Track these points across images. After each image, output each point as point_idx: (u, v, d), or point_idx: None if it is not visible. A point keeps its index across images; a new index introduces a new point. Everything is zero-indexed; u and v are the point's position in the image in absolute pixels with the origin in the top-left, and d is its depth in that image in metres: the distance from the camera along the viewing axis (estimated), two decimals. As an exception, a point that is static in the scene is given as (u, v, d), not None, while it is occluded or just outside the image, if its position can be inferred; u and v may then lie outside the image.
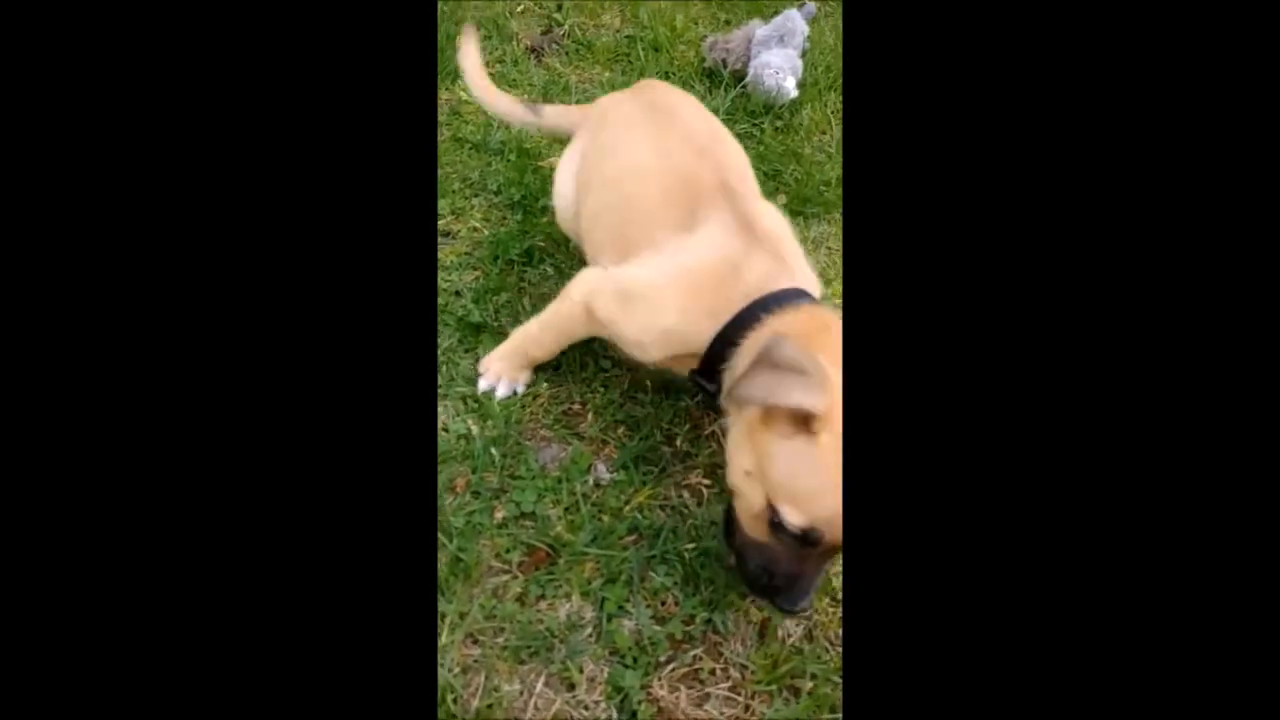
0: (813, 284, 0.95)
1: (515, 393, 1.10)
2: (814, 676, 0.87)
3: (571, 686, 0.85)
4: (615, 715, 0.83)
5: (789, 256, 0.93)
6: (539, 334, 1.07)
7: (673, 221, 0.96)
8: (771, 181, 1.48)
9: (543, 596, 0.91)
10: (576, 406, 1.12)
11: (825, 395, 0.72)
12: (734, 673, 0.88)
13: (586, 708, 0.84)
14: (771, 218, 0.98)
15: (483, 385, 1.10)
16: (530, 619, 0.88)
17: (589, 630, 0.89)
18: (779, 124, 1.60)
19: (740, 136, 1.58)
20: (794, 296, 0.87)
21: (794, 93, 1.62)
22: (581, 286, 1.01)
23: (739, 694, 0.86)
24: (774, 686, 0.86)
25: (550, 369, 1.14)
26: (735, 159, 1.06)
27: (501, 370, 1.10)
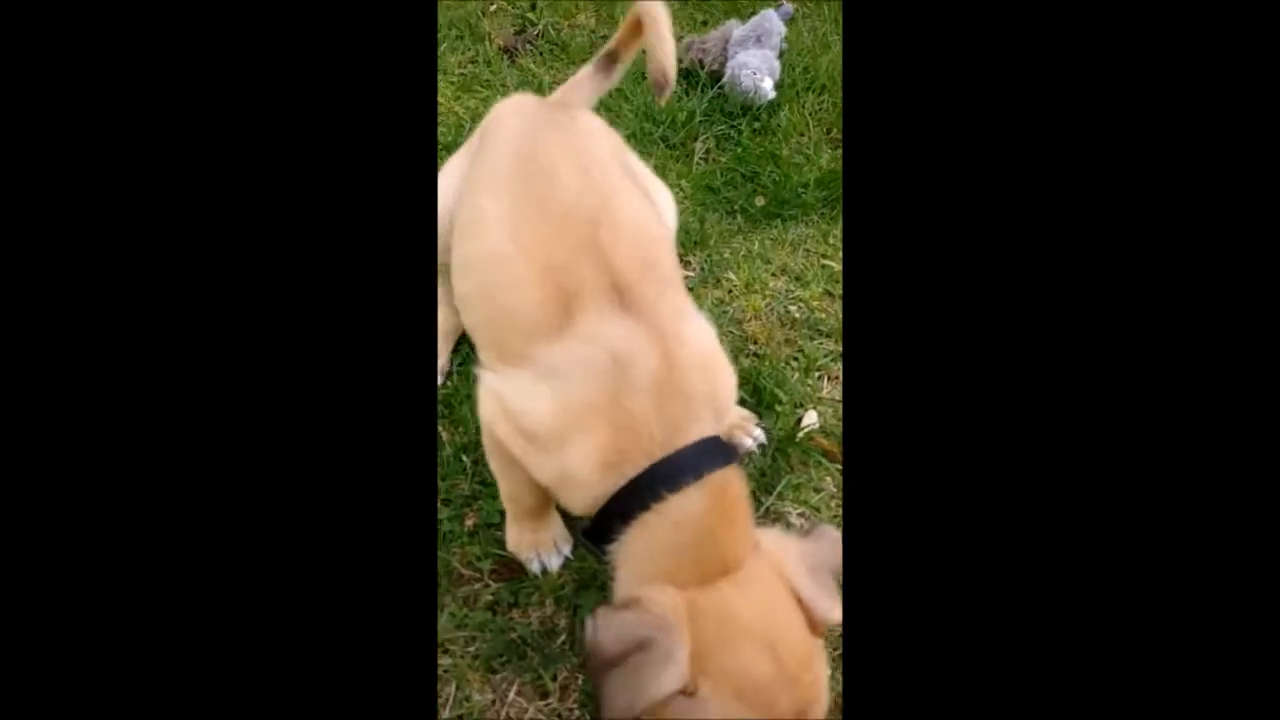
0: (729, 404, 0.76)
1: (564, 556, 0.92)
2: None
3: (545, 694, 0.84)
4: (589, 723, 0.82)
5: (704, 382, 0.72)
6: (502, 487, 0.86)
7: (545, 330, 0.73)
8: (749, 184, 1.48)
9: (515, 604, 0.90)
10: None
11: (682, 652, 0.59)
12: (710, 677, 0.87)
13: (561, 716, 0.83)
14: (689, 326, 0.75)
15: (534, 568, 0.91)
16: (502, 627, 0.87)
17: (563, 638, 0.88)
18: (756, 125, 1.60)
19: (717, 138, 1.58)
20: (702, 458, 0.68)
21: (771, 94, 1.62)
22: (481, 398, 0.79)
23: (715, 699, 0.86)
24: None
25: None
26: (636, 232, 0.79)
27: (524, 542, 0.90)
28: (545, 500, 0.86)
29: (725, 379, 0.78)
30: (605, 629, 0.60)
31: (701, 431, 0.70)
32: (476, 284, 0.82)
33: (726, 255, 1.35)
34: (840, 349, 1.22)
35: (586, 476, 0.70)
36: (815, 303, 1.30)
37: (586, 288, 0.73)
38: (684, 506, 0.66)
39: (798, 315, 1.28)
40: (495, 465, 0.85)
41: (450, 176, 0.95)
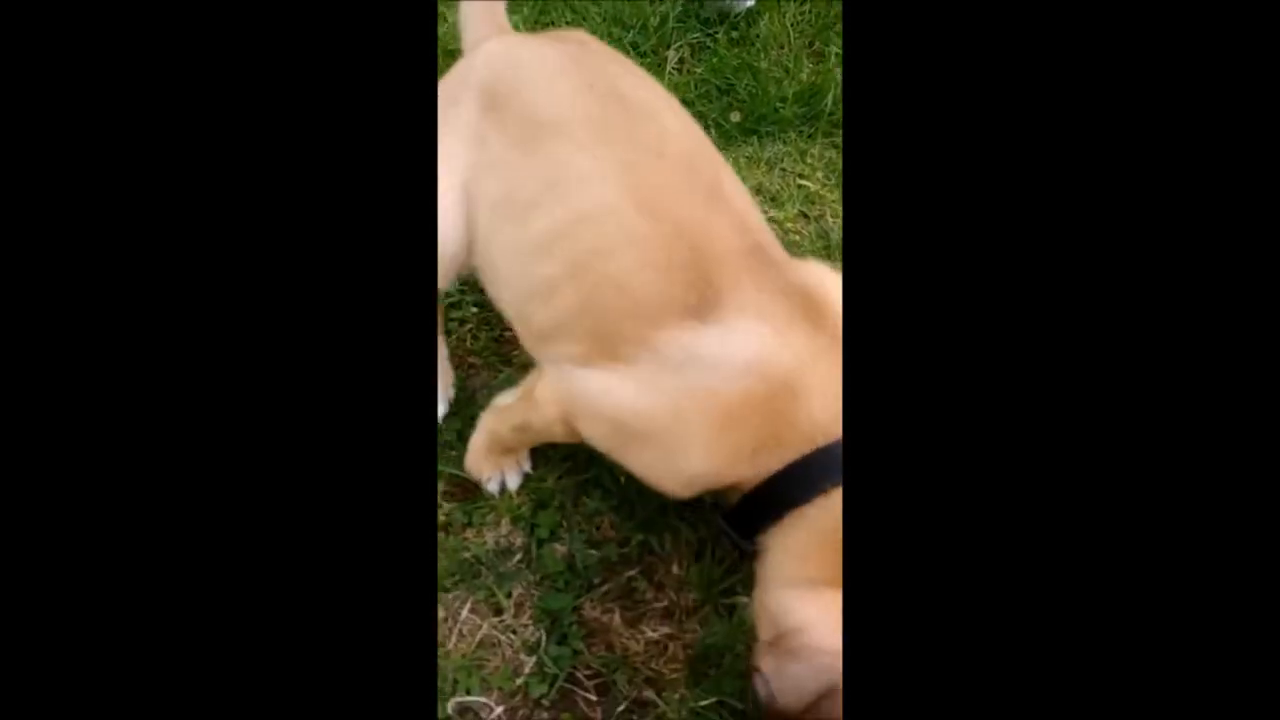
0: None
1: (525, 472, 0.88)
2: (748, 593, 0.87)
3: (499, 611, 0.83)
4: (544, 638, 0.81)
5: None
6: (514, 437, 0.78)
7: (680, 308, 0.59)
8: (725, 97, 1.40)
9: (469, 524, 0.88)
10: (508, 333, 1.06)
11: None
12: (670, 592, 0.87)
13: (515, 631, 0.82)
14: (832, 286, 0.62)
15: (493, 488, 0.86)
16: (456, 546, 0.85)
17: (519, 556, 0.86)
18: (734, 35, 1.49)
19: (692, 47, 1.48)
20: None
21: (750, 1, 1.52)
22: (552, 396, 0.68)
23: (673, 612, 0.85)
24: (708, 605, 0.85)
25: (478, 290, 1.07)
26: (742, 187, 0.69)
27: (487, 464, 0.84)
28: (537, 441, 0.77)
29: None
30: (784, 689, 0.54)
31: None
32: (566, 261, 0.63)
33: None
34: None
35: (721, 472, 0.60)
36: (790, 224, 1.25)
37: (729, 252, 0.59)
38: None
39: (771, 236, 1.23)
40: (533, 436, 0.74)
41: (452, 172, 0.72)
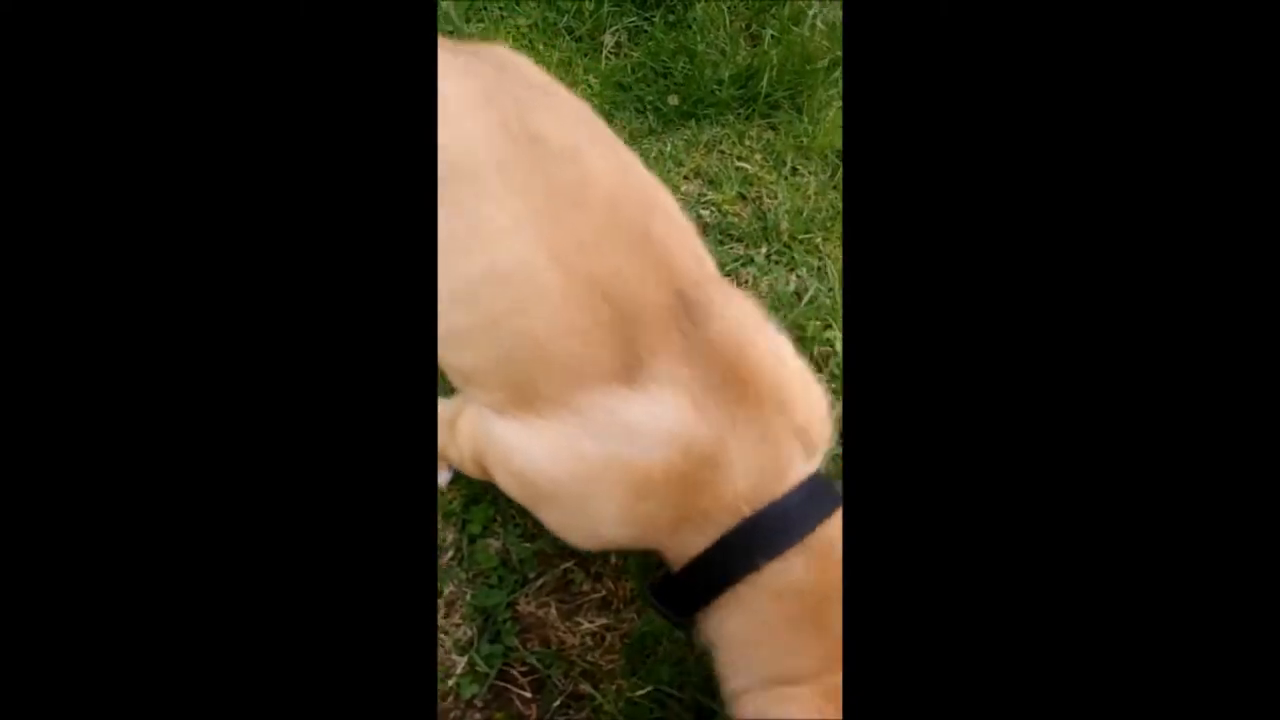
0: (823, 433, 0.59)
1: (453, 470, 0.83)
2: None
3: (429, 611, 0.80)
4: (477, 636, 0.79)
5: (790, 411, 0.56)
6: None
7: (600, 371, 0.55)
8: (662, 80, 1.38)
9: (397, 522, 0.84)
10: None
11: None
12: (607, 582, 0.85)
13: (446, 631, 0.79)
14: (757, 338, 0.58)
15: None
16: (382, 546, 0.82)
17: (450, 554, 0.84)
18: (671, 19, 1.47)
19: (628, 30, 1.46)
20: (802, 508, 0.54)
21: (688, -16, 1.50)
22: (469, 434, 0.65)
23: (611, 602, 0.84)
24: (645, 595, 0.84)
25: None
26: (677, 221, 0.62)
27: None
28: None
29: (817, 402, 0.59)
30: None
31: (797, 475, 0.55)
32: (480, 315, 0.59)
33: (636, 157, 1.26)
34: (751, 254, 1.17)
35: (636, 538, 0.56)
36: (728, 206, 1.24)
37: (652, 307, 0.55)
38: (787, 576, 0.52)
39: (709, 219, 1.21)
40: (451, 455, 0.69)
41: None
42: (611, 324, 0.55)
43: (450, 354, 0.63)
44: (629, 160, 0.65)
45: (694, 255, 0.61)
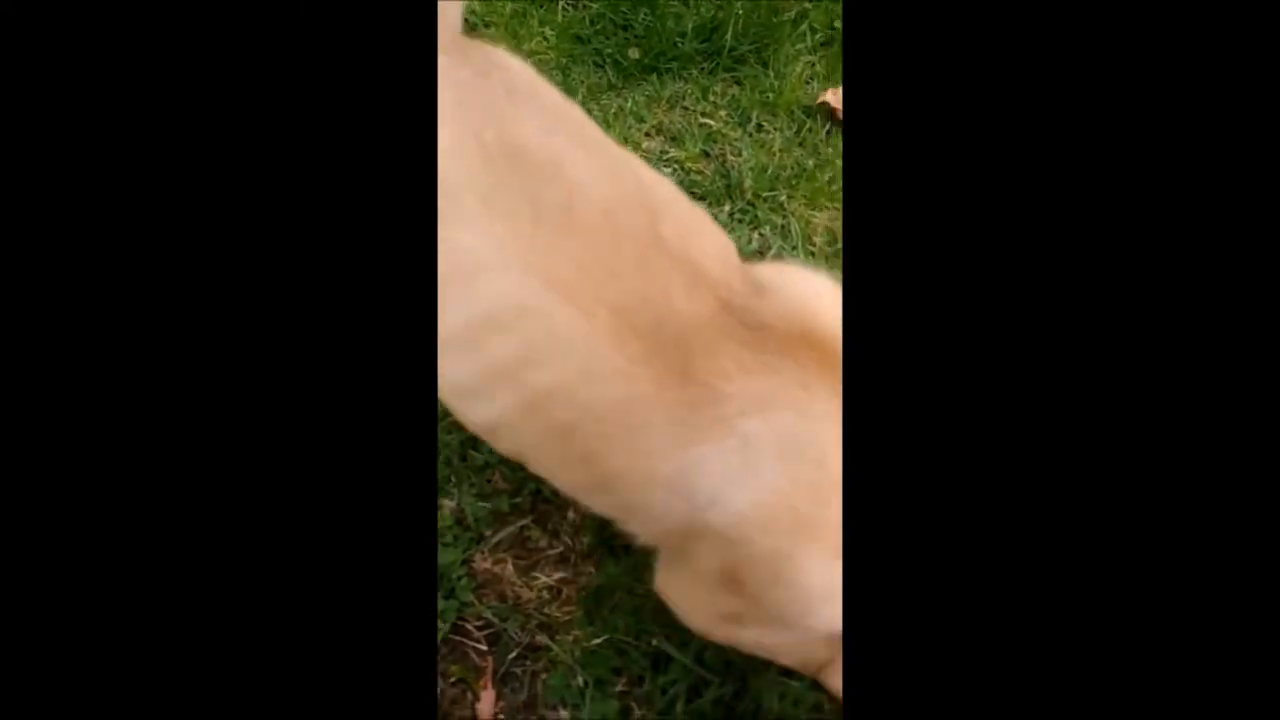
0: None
1: None
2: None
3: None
4: (432, 592, 0.79)
5: None
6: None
7: (660, 421, 0.46)
8: (622, 33, 1.34)
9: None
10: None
11: None
12: (565, 538, 0.85)
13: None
14: (821, 303, 0.50)
15: None
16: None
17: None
18: (634, -32, 1.43)
19: (589, -19, 1.41)
20: None
21: (651, -68, 1.44)
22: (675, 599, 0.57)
23: (569, 558, 0.84)
24: (602, 547, 0.84)
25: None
26: (687, 218, 0.54)
27: None
28: None
29: None
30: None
31: None
32: (487, 368, 0.49)
33: (595, 112, 1.23)
34: (715, 213, 1.15)
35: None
36: (692, 164, 1.22)
37: (693, 322, 0.45)
38: None
39: (672, 177, 1.19)
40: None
41: None
42: (660, 356, 0.45)
43: (466, 404, 0.54)
44: (621, 160, 0.56)
45: (717, 249, 0.52)
